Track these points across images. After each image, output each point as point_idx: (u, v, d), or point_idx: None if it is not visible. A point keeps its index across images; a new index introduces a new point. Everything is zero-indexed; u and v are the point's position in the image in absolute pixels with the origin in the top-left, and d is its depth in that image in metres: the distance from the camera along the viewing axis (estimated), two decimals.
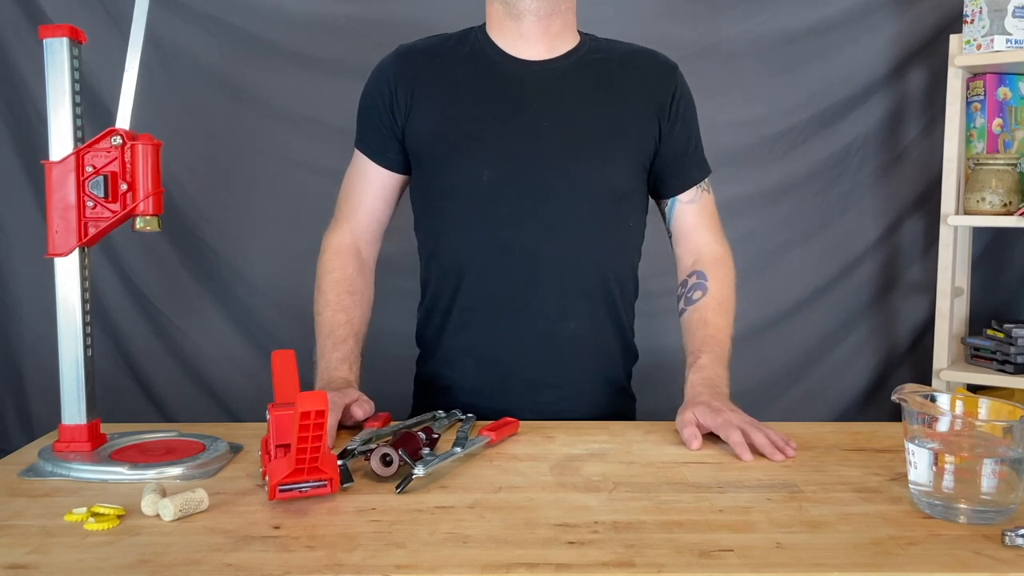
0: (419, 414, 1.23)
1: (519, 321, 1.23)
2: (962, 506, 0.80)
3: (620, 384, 1.33)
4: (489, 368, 1.25)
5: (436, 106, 1.23)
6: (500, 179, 1.20)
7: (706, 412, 1.06)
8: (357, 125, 1.30)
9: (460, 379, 1.27)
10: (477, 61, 1.25)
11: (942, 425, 0.84)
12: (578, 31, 1.29)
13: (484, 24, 1.28)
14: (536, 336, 1.24)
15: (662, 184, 1.30)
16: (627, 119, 1.25)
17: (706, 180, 1.32)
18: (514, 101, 1.22)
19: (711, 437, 1.05)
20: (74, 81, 0.95)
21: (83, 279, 0.97)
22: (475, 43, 1.26)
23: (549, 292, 1.23)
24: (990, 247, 2.10)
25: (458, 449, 0.96)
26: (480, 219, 1.22)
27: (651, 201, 1.34)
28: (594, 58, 1.26)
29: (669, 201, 1.31)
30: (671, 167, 1.29)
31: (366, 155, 1.29)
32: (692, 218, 1.30)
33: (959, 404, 0.88)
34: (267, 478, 0.85)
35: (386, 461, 0.90)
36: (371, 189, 1.30)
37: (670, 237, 1.33)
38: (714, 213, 1.32)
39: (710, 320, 1.23)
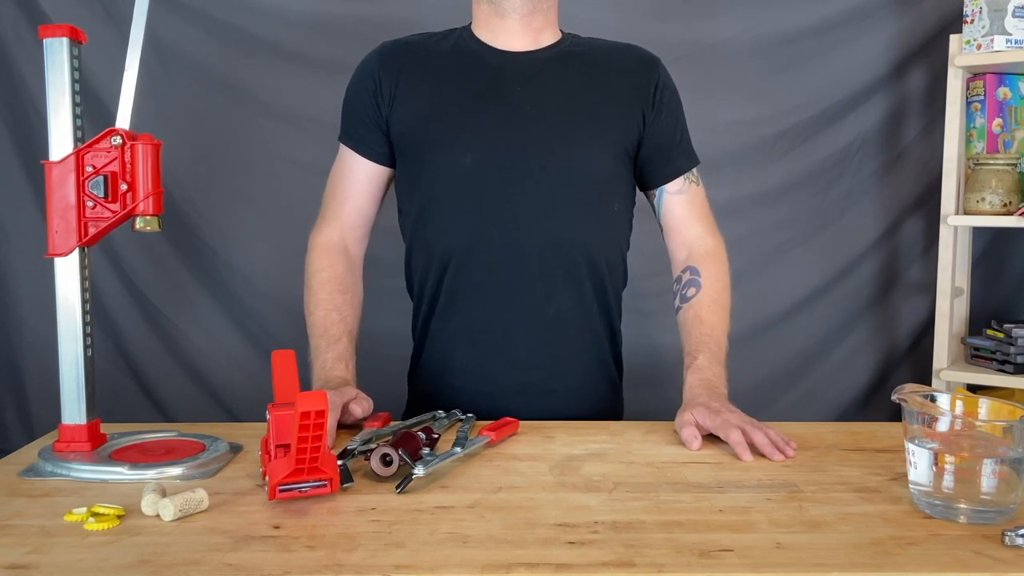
0: (414, 409, 1.23)
1: (505, 302, 1.23)
2: (962, 506, 0.80)
3: (607, 366, 1.33)
4: (477, 349, 1.25)
5: (420, 94, 1.24)
6: (483, 161, 1.21)
7: (705, 413, 1.06)
8: (342, 119, 1.31)
9: (449, 361, 1.28)
10: (461, 52, 1.27)
11: (942, 425, 0.84)
12: (560, 30, 1.30)
13: (469, 24, 1.30)
14: (523, 316, 1.24)
15: (649, 174, 1.30)
16: (609, 105, 1.25)
17: (695, 172, 1.32)
18: (497, 87, 1.24)
19: (711, 437, 1.05)
20: (74, 81, 0.95)
21: (83, 279, 0.97)
22: (459, 39, 1.29)
23: (534, 273, 1.23)
24: (990, 247, 2.10)
25: (458, 449, 0.96)
26: (464, 201, 1.23)
27: (644, 201, 1.34)
28: (576, 51, 1.28)
29: (657, 192, 1.31)
30: (657, 156, 1.29)
31: (352, 148, 1.30)
32: (681, 209, 1.30)
33: (959, 404, 0.88)
34: (267, 478, 0.85)
35: (386, 461, 0.90)
36: (357, 183, 1.30)
37: (662, 232, 1.33)
38: (704, 205, 1.32)
39: (705, 318, 1.23)
